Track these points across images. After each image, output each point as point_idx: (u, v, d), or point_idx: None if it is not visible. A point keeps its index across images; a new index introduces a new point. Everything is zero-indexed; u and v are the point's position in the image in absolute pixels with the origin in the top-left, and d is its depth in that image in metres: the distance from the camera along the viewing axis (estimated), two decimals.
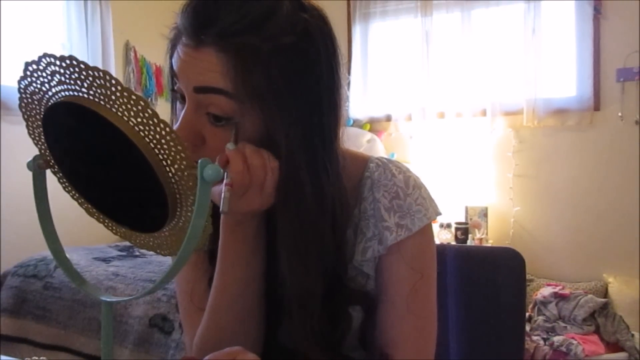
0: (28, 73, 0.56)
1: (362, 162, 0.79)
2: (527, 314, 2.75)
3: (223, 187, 0.62)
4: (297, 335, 0.71)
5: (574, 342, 2.47)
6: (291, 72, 0.65)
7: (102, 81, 0.51)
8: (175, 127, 0.66)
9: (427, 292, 0.76)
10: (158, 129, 0.51)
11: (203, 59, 0.63)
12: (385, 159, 0.80)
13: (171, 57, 0.69)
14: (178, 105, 0.70)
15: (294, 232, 0.68)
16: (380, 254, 0.75)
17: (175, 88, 0.68)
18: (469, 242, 3.21)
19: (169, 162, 0.53)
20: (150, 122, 0.51)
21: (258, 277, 0.73)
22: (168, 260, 1.93)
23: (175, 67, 0.67)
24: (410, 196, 0.76)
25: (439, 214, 0.78)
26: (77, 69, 0.52)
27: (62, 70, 0.53)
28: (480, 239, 3.21)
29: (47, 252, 2.17)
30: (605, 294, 2.92)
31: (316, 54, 0.67)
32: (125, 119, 0.52)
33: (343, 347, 0.75)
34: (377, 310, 0.76)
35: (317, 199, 0.68)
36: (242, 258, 0.71)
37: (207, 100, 0.65)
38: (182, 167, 0.53)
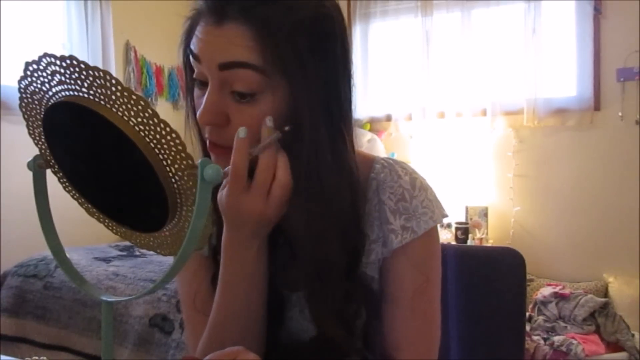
0: (28, 73, 0.56)
1: (368, 162, 0.78)
2: (527, 314, 2.75)
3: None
4: (316, 313, 0.71)
5: (574, 342, 2.47)
6: (313, 42, 0.66)
7: (102, 81, 0.51)
8: (199, 111, 0.67)
9: (432, 295, 0.76)
10: (158, 128, 0.51)
11: (227, 34, 0.64)
12: (391, 159, 0.79)
13: (186, 48, 0.70)
14: (196, 92, 0.70)
15: (316, 196, 0.68)
16: (385, 257, 0.75)
17: (194, 75, 0.69)
18: (469, 242, 3.21)
19: (169, 162, 0.53)
20: (151, 122, 0.51)
21: (261, 291, 0.72)
22: (168, 260, 1.93)
23: (195, 50, 0.67)
24: (416, 198, 0.75)
25: (445, 216, 0.77)
26: (77, 69, 0.52)
27: (62, 70, 0.53)
28: (481, 239, 3.21)
29: (47, 252, 2.17)
30: (605, 293, 2.92)
31: (332, 26, 0.69)
32: (126, 118, 0.52)
33: (356, 328, 0.74)
34: (380, 311, 0.76)
35: (337, 166, 0.69)
36: (243, 278, 0.71)
37: (233, 77, 0.65)
38: (182, 167, 0.53)
